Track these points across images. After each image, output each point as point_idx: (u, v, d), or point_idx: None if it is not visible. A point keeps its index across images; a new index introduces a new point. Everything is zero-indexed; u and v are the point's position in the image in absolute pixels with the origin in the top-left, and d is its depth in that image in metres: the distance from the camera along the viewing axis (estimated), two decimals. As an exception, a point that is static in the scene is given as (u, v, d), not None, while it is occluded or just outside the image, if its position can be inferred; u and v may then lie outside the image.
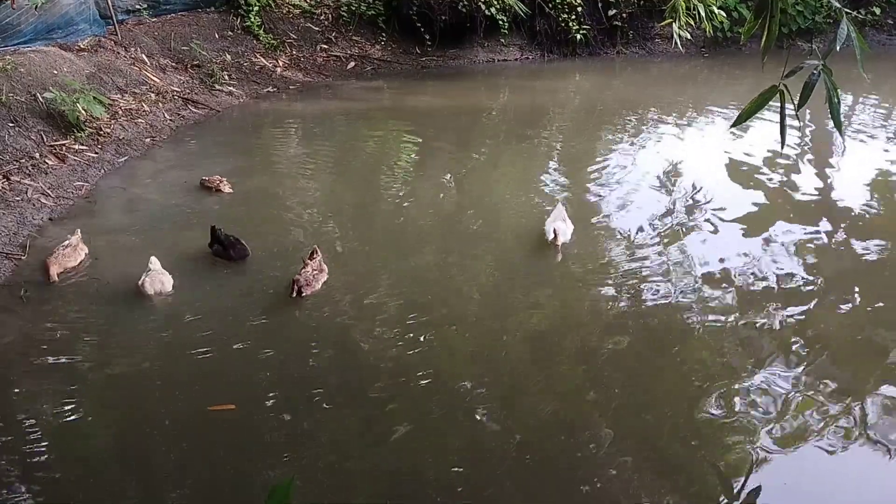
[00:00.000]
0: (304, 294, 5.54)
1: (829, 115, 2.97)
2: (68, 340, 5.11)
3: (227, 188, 7.90)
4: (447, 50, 16.34)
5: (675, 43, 9.34)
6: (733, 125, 3.42)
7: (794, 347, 5.15)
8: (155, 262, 5.82)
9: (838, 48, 2.89)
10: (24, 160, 7.94)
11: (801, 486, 3.97)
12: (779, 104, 2.95)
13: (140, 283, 5.64)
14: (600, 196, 8.11)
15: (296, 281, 5.58)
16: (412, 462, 4.03)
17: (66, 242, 6.15)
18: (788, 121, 3.06)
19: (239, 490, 3.82)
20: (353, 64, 15.27)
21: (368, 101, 12.89)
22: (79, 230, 6.37)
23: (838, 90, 2.88)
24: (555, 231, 6.35)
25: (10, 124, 8.29)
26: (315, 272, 5.70)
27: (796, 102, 2.95)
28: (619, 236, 6.93)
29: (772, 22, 3.04)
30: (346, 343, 5.12)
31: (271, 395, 4.53)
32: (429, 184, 8.51)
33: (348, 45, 15.67)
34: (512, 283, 6.01)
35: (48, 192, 7.57)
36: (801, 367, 4.90)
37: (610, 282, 6.04)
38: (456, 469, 3.97)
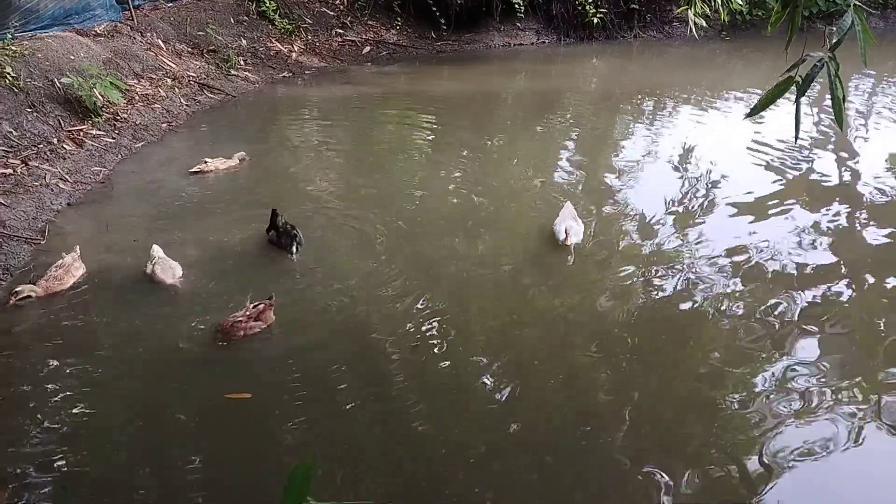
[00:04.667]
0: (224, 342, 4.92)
1: (832, 108, 2.91)
2: (84, 327, 5.14)
3: (221, 166, 8.21)
4: (463, 34, 16.29)
5: (691, 29, 9.26)
6: (748, 115, 3.34)
7: (813, 334, 5.11)
8: (158, 250, 5.85)
9: (836, 40, 2.84)
10: (42, 145, 7.99)
11: (820, 478, 3.94)
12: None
13: (149, 271, 5.65)
14: (616, 182, 8.06)
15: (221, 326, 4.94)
16: (427, 454, 4.03)
17: (60, 262, 5.67)
18: (803, 108, 3.00)
19: (253, 480, 3.86)
20: (368, 49, 15.25)
21: (384, 86, 12.86)
22: (78, 247, 5.94)
23: (843, 83, 2.82)
24: (566, 231, 6.11)
25: (29, 109, 8.35)
26: (244, 319, 4.98)
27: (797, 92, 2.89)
28: (635, 222, 6.89)
29: (795, 12, 3.00)
30: (358, 332, 5.11)
31: (285, 385, 4.53)
32: (444, 170, 8.49)
33: (364, 29, 15.64)
34: (527, 272, 5.99)
35: (66, 177, 7.62)
36: (822, 355, 4.86)
37: (626, 269, 6.00)
38: (471, 459, 3.96)
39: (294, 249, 6.06)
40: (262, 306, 5.08)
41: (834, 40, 2.78)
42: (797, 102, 2.92)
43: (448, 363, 4.75)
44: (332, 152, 9.12)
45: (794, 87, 2.88)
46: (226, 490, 3.79)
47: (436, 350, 4.88)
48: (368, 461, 3.99)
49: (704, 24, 10.85)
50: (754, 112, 3.12)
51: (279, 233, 6.18)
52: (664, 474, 3.87)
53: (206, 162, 8.16)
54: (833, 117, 9.30)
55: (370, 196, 7.50)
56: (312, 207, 7.21)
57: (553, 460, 3.99)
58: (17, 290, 5.37)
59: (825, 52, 2.81)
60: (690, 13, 9.19)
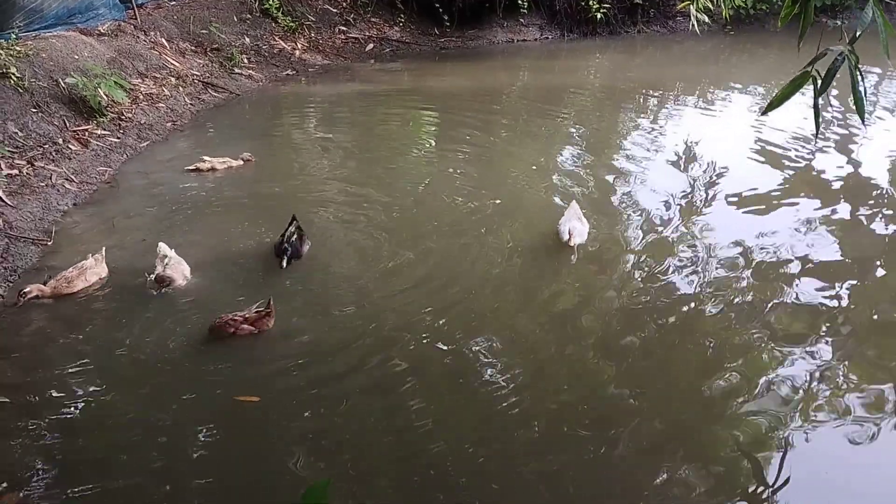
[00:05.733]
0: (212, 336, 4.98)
1: (853, 102, 2.91)
2: (91, 328, 5.15)
3: (219, 166, 8.19)
4: (466, 30, 16.27)
5: (693, 25, 9.26)
6: (764, 112, 3.34)
7: (820, 330, 5.11)
8: (165, 248, 5.80)
9: (858, 34, 2.84)
10: (47, 146, 8.01)
11: (829, 473, 3.94)
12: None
13: (160, 271, 5.60)
14: (621, 178, 8.04)
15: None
16: (435, 453, 4.03)
17: (79, 264, 5.60)
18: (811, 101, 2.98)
19: (262, 482, 3.87)
20: (371, 46, 15.24)
21: (387, 84, 12.86)
22: (104, 249, 5.89)
23: (863, 76, 2.81)
24: (570, 231, 6.08)
25: (34, 110, 8.36)
26: (240, 320, 5.00)
27: (817, 89, 2.89)
28: (639, 219, 6.88)
29: (808, 6, 2.98)
30: (364, 331, 5.11)
31: (291, 386, 4.54)
32: (448, 168, 8.49)
33: (367, 26, 15.63)
34: (531, 271, 5.97)
35: (72, 177, 7.63)
36: (829, 350, 4.87)
37: (632, 265, 6.00)
38: (477, 461, 3.97)
39: (283, 264, 5.87)
40: (262, 312, 5.07)
41: (858, 33, 2.77)
42: (815, 99, 2.91)
43: (453, 363, 4.75)
44: (337, 150, 9.11)
45: (809, 83, 2.87)
46: (230, 491, 3.80)
47: (441, 350, 4.87)
48: (374, 464, 3.99)
49: (707, 19, 10.82)
50: (770, 108, 3.11)
51: (282, 240, 6.06)
52: (671, 472, 3.87)
53: (203, 160, 8.17)
54: (837, 110, 9.22)
55: (374, 195, 7.50)
56: (317, 206, 7.22)
57: (560, 461, 3.99)
58: (25, 290, 5.35)
59: (843, 45, 2.80)
60: (692, 8, 9.18)
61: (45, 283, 5.46)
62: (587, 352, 4.94)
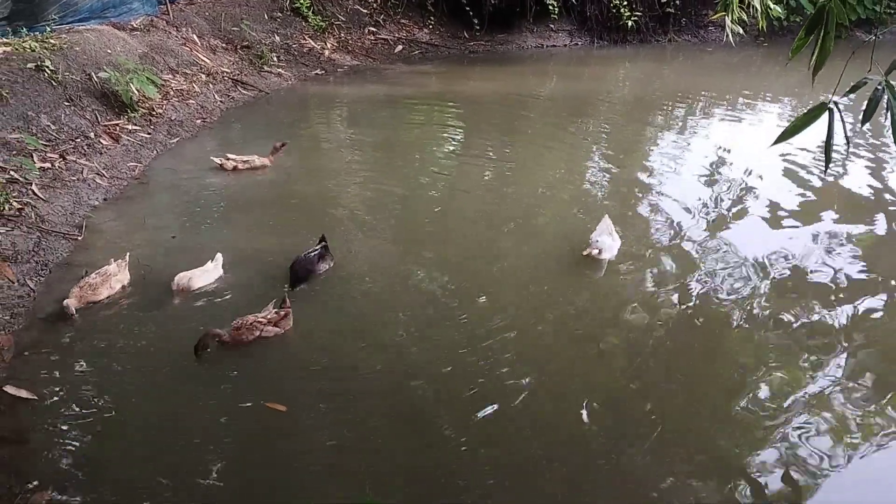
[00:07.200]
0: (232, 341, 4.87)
1: (891, 131, 2.81)
2: (119, 328, 5.14)
3: (241, 166, 8.14)
4: (495, 35, 16.23)
5: (727, 36, 9.19)
6: (775, 142, 3.12)
7: (847, 348, 5.03)
8: (219, 258, 5.82)
9: None
10: (79, 139, 8.04)
11: (850, 494, 3.87)
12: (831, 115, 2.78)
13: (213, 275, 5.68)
14: (648, 190, 7.95)
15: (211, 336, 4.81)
16: (451, 463, 3.99)
17: (102, 270, 5.48)
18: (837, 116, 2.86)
19: (278, 491, 3.85)
20: (400, 47, 15.24)
21: (415, 86, 12.85)
22: (128, 255, 5.77)
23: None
24: (597, 246, 6.00)
25: (66, 103, 8.40)
26: (263, 321, 4.96)
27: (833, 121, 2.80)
28: (665, 230, 6.80)
29: (826, 38, 2.87)
30: (383, 339, 5.07)
31: (309, 394, 4.50)
32: (474, 173, 8.44)
33: (396, 28, 15.63)
34: (555, 280, 5.90)
35: (103, 172, 7.66)
36: (854, 369, 4.79)
37: (656, 277, 5.93)
38: (496, 474, 3.92)
39: (287, 286, 5.65)
40: (283, 312, 5.04)
41: None
42: (829, 134, 2.81)
43: (473, 374, 4.68)
44: (363, 152, 9.10)
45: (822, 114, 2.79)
46: (245, 498, 3.79)
47: (461, 361, 4.81)
48: (390, 468, 3.95)
49: (741, 30, 10.69)
50: (783, 139, 2.99)
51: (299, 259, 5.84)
52: (693, 489, 3.81)
53: (227, 158, 8.15)
54: (859, 127, 9.00)
55: (398, 198, 7.47)
56: (342, 209, 7.20)
57: (581, 476, 3.94)
58: (67, 308, 5.12)
59: (881, 76, 2.73)
60: (728, 20, 9.08)
61: (70, 293, 5.33)
62: (612, 368, 4.87)
